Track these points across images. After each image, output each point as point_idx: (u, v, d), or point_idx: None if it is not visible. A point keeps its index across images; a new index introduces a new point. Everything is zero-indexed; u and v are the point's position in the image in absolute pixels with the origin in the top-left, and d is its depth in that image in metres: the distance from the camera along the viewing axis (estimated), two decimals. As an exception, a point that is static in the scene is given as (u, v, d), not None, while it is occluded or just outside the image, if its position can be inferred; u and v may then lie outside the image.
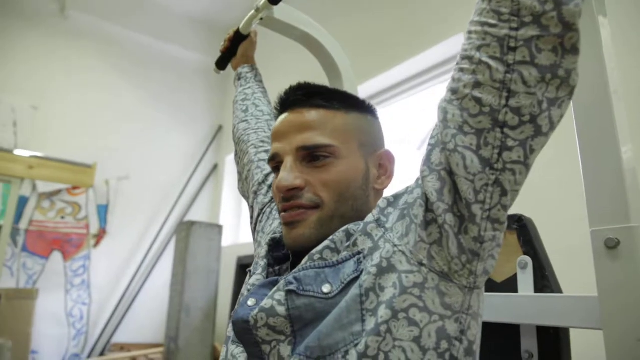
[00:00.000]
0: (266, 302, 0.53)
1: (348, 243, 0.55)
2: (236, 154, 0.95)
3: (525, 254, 0.89)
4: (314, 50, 1.21)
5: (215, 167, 4.10)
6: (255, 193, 0.82)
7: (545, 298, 0.73)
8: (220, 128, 4.20)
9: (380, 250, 0.52)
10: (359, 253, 0.53)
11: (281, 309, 0.51)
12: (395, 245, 0.51)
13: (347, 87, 1.19)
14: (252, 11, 1.11)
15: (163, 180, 3.81)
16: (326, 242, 0.56)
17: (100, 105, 3.58)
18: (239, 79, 1.09)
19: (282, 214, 0.61)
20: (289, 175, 0.60)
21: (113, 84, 3.70)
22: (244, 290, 0.63)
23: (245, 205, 3.88)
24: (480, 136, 0.48)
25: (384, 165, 0.67)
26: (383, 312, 0.47)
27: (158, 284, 3.55)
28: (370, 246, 0.53)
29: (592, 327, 0.63)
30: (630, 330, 0.57)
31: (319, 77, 1.21)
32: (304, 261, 0.56)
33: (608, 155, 0.64)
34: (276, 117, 0.69)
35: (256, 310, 0.52)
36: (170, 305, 2.80)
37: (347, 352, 0.46)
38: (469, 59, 0.49)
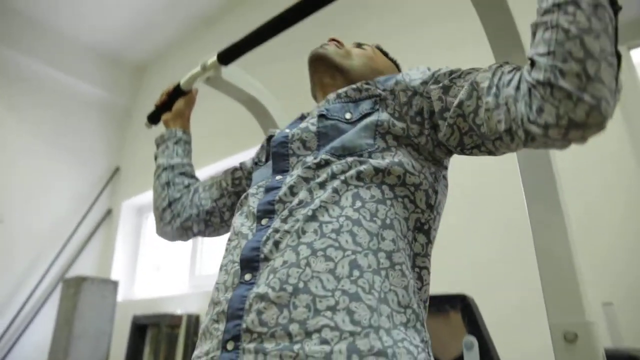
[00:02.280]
0: (302, 125, 0.71)
1: (368, 87, 0.71)
2: (196, 196, 0.97)
3: (470, 333, 0.92)
4: (256, 112, 1.17)
5: (108, 212, 3.74)
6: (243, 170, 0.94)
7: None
8: (117, 170, 3.87)
9: (391, 108, 0.68)
10: (377, 96, 0.70)
11: (312, 127, 0.69)
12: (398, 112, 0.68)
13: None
14: (198, 68, 1.05)
15: (45, 226, 3.35)
16: (351, 86, 0.73)
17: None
18: (177, 142, 1.03)
19: None
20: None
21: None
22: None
23: (141, 258, 3.56)
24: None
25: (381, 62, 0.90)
26: (391, 143, 0.65)
27: (29, 350, 3.03)
28: (384, 96, 0.69)
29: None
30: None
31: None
32: (332, 97, 0.74)
33: (560, 246, 0.70)
34: None
35: (295, 129, 0.70)
36: (47, 377, 2.39)
37: (361, 155, 0.63)
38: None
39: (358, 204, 0.58)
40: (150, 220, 3.69)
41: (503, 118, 0.54)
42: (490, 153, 0.61)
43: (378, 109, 0.68)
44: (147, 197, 3.54)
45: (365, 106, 0.69)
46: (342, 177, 0.60)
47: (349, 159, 0.62)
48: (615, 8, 0.50)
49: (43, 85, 3.57)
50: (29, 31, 3.44)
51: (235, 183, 0.93)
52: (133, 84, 4.07)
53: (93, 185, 3.71)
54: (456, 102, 0.60)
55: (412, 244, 0.62)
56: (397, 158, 0.62)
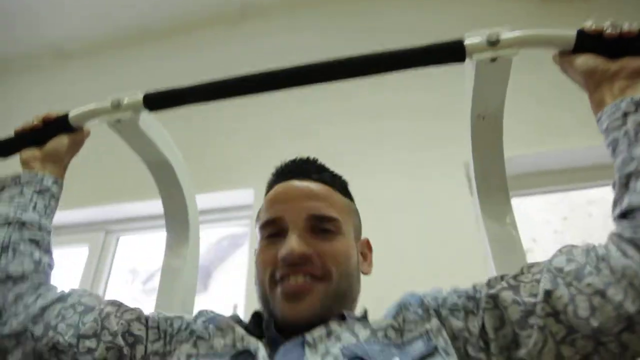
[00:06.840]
0: None
1: (410, 325, 0.55)
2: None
3: None
4: (159, 173, 0.93)
5: None
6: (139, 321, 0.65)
7: None
8: None
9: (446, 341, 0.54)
10: (426, 332, 0.54)
11: None
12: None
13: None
14: (105, 103, 0.79)
15: None
16: (389, 321, 0.56)
17: None
18: (40, 192, 0.72)
19: (284, 283, 0.59)
20: (301, 243, 0.60)
21: None
22: None
23: None
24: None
25: (365, 253, 0.72)
26: None
27: None
28: (437, 327, 0.55)
29: None
30: None
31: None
32: (363, 335, 0.54)
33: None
34: (271, 186, 0.71)
35: None
36: None
37: None
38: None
39: None
40: None
41: (630, 295, 0.42)
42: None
43: (438, 351, 0.52)
44: None
45: (418, 348, 0.53)
46: None
47: None
48: None
49: None
50: None
51: (129, 342, 0.62)
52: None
53: None
54: (540, 296, 0.47)
55: None
56: None
